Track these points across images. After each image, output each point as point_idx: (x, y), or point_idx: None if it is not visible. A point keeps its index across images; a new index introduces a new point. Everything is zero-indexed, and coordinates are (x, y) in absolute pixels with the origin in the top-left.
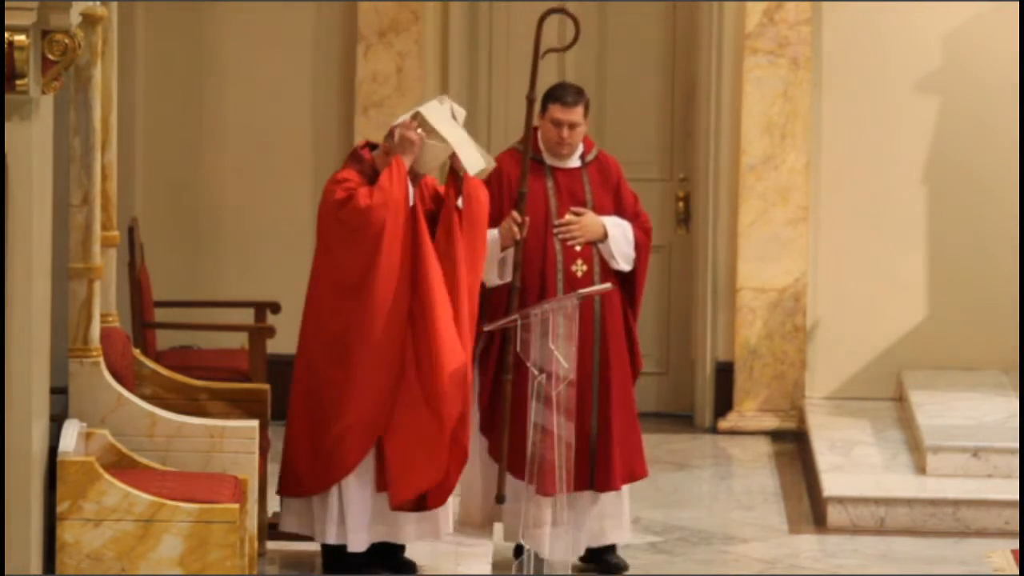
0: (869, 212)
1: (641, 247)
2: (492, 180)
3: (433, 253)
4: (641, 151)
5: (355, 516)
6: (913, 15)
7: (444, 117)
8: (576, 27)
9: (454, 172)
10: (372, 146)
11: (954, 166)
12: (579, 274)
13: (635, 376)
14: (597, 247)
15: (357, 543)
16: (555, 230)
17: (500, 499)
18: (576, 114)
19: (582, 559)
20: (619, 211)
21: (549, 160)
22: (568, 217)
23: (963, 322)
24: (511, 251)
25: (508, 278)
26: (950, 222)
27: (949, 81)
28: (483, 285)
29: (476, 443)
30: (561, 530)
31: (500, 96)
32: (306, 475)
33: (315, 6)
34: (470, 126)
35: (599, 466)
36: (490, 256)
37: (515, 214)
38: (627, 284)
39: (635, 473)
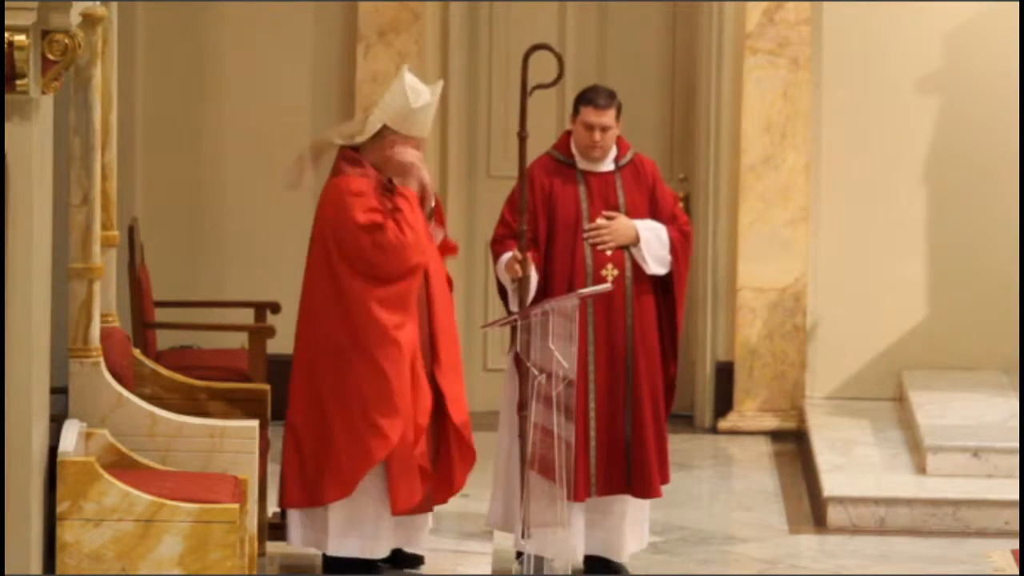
0: (869, 212)
1: (678, 249)
2: (525, 189)
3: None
4: (641, 151)
5: (371, 525)
6: (913, 15)
7: (420, 88)
8: (560, 64)
9: None
10: (354, 148)
11: (954, 166)
12: (609, 279)
13: (667, 383)
14: (630, 251)
15: (377, 551)
16: (585, 234)
17: (525, 535)
18: (608, 117)
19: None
20: (655, 213)
21: (581, 164)
22: (599, 221)
23: (963, 322)
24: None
25: (516, 309)
26: (950, 222)
27: (949, 81)
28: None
29: (511, 446)
30: (565, 532)
31: (500, 96)
32: (320, 484)
33: (315, 6)
34: (470, 126)
35: (635, 473)
36: (505, 280)
37: (516, 252)
38: (668, 288)
39: (664, 479)
